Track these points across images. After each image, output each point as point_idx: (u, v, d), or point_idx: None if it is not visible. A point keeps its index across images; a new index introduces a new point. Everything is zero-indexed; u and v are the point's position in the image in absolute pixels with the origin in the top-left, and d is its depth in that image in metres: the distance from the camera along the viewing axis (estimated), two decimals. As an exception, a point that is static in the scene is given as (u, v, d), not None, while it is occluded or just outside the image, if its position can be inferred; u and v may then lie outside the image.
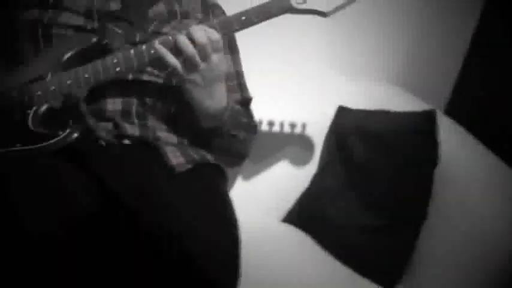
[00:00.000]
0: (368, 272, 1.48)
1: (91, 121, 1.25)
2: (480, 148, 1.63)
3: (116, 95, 1.28)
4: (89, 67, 1.21)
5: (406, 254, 1.51)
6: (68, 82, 1.21)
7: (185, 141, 1.32)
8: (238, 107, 1.40)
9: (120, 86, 1.28)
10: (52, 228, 1.00)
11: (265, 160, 1.68)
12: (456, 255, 1.45)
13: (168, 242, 1.05)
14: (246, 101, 1.45)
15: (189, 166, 1.24)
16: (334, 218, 1.58)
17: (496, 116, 1.93)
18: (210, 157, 1.32)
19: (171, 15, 1.37)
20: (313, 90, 1.78)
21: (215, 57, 1.20)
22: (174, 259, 1.04)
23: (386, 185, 1.55)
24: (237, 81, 1.45)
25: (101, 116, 1.27)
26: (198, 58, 1.19)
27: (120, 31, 1.31)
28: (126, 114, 1.28)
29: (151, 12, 1.36)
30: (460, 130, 1.69)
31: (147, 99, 1.30)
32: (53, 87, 1.21)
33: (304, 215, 1.64)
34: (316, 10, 1.23)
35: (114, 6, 1.34)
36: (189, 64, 1.19)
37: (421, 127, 1.55)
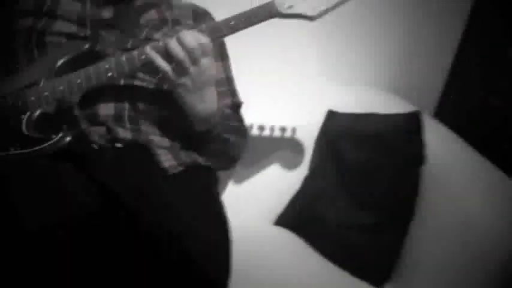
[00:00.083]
0: (357, 270, 1.50)
1: (84, 125, 1.26)
2: (466, 148, 1.65)
3: (108, 100, 1.29)
4: (81, 73, 1.23)
5: (394, 252, 1.53)
6: (61, 88, 1.23)
7: (177, 145, 1.33)
8: (229, 111, 1.41)
9: (113, 91, 1.29)
10: (52, 228, 1.00)
11: (257, 164, 1.70)
12: (445, 253, 1.47)
13: (168, 242, 1.06)
14: (236, 106, 1.46)
15: (181, 168, 1.26)
16: (324, 219, 1.60)
17: (484, 119, 1.95)
18: (201, 160, 1.33)
19: (162, 22, 1.39)
20: (303, 95, 1.80)
21: (205, 61, 1.22)
22: (174, 259, 1.05)
23: (375, 184, 1.58)
24: (227, 86, 1.46)
25: (94, 120, 1.28)
26: (188, 62, 1.20)
27: (112, 38, 1.33)
28: (118, 118, 1.29)
29: (142, 19, 1.38)
30: (447, 131, 1.71)
31: (139, 104, 1.32)
32: (46, 93, 1.23)
33: (295, 217, 1.66)
34: (302, 15, 1.25)
35: (107, 14, 1.36)
36: (180, 68, 1.21)
37: (407, 127, 1.58)
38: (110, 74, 1.23)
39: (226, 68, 1.48)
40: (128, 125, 1.30)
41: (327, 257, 1.53)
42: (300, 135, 1.66)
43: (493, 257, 1.39)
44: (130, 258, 1.06)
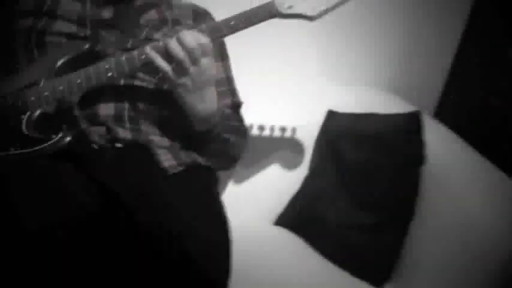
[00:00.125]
0: (357, 270, 1.50)
1: (84, 125, 1.26)
2: (466, 148, 1.66)
3: (108, 100, 1.30)
4: (81, 73, 1.23)
5: (394, 252, 1.53)
6: (61, 88, 1.23)
7: (177, 145, 1.34)
8: (229, 111, 1.42)
9: (113, 91, 1.30)
10: (52, 228, 1.01)
11: (257, 164, 1.70)
12: (445, 253, 1.47)
13: (168, 242, 1.06)
14: (236, 106, 1.47)
15: (181, 168, 1.26)
16: (324, 219, 1.61)
17: (484, 119, 1.96)
18: (201, 159, 1.34)
19: (162, 23, 1.39)
20: (303, 95, 1.80)
21: (205, 61, 1.22)
22: (174, 259, 1.05)
23: (375, 184, 1.58)
24: (227, 86, 1.46)
25: (94, 120, 1.28)
26: (188, 62, 1.20)
27: (112, 38, 1.33)
28: (118, 118, 1.30)
29: (142, 19, 1.38)
30: (447, 131, 1.72)
31: (139, 104, 1.32)
32: (46, 93, 1.23)
33: (295, 217, 1.66)
34: (302, 15, 1.25)
35: (107, 14, 1.36)
36: (180, 68, 1.21)
37: (407, 127, 1.59)
38: (110, 74, 1.23)
39: (226, 68, 1.48)
40: (127, 125, 1.30)
41: (327, 257, 1.54)
42: (300, 135, 1.67)
43: (493, 257, 1.39)
44: (130, 258, 1.06)
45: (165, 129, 1.34)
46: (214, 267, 1.09)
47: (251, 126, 1.60)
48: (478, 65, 2.00)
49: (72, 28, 1.34)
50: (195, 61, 1.21)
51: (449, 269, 1.45)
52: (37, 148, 1.18)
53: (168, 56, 1.21)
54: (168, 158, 1.26)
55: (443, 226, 1.49)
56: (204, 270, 1.07)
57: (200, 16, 1.46)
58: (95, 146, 1.25)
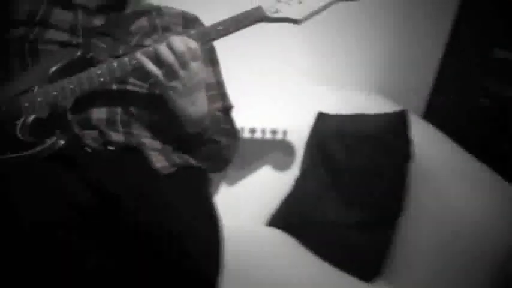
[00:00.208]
0: (348, 266, 1.52)
1: (77, 129, 1.28)
2: (453, 146, 1.68)
3: (101, 104, 1.31)
4: (74, 79, 1.25)
5: (383, 248, 1.55)
6: (54, 93, 1.25)
7: (169, 147, 1.35)
8: (219, 114, 1.44)
9: (105, 95, 1.31)
10: (52, 228, 1.00)
11: (249, 166, 1.72)
12: (433, 249, 1.49)
13: (168, 242, 1.06)
14: (227, 109, 1.48)
15: (173, 169, 1.27)
16: (315, 218, 1.62)
17: (473, 120, 1.97)
18: (193, 161, 1.35)
19: (153, 29, 1.41)
20: (294, 98, 1.82)
21: (194, 65, 1.24)
22: (174, 259, 1.05)
23: (364, 183, 1.59)
24: (218, 90, 1.48)
25: (87, 124, 1.30)
26: (177, 66, 1.22)
27: (103, 45, 1.35)
28: (111, 122, 1.31)
29: (133, 27, 1.40)
30: (434, 130, 1.74)
31: (132, 108, 1.34)
32: (40, 99, 1.24)
33: (287, 217, 1.68)
34: (288, 18, 1.28)
35: (98, 22, 1.38)
36: (170, 72, 1.23)
37: (394, 125, 1.60)
38: (102, 79, 1.25)
39: (217, 73, 1.50)
40: (120, 129, 1.32)
41: (319, 255, 1.55)
42: (290, 137, 1.69)
43: (478, 251, 1.40)
44: (129, 258, 1.06)
45: (156, 132, 1.35)
46: (209, 266, 1.10)
47: (242, 129, 1.61)
48: (466, 65, 2.02)
49: (65, 36, 1.35)
50: (184, 65, 1.23)
51: (438, 263, 1.46)
52: (31, 152, 1.19)
53: (158, 60, 1.23)
54: (160, 159, 1.28)
55: (431, 222, 1.50)
56: (203, 270, 1.07)
57: (190, 22, 1.48)
58: (88, 149, 1.26)
